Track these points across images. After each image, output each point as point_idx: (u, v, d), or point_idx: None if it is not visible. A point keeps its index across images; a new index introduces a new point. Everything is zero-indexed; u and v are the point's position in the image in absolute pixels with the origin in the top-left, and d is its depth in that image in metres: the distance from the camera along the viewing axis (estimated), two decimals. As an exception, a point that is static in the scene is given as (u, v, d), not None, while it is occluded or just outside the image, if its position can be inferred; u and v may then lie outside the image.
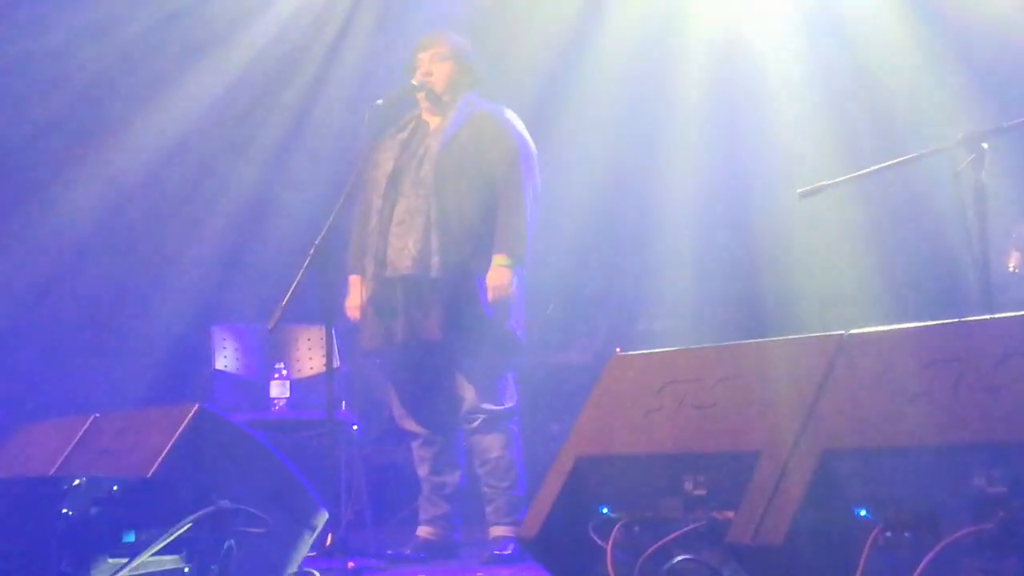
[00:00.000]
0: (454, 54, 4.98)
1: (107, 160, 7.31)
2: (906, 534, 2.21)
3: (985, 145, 3.59)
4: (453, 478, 4.94)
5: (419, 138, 4.94)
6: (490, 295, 4.71)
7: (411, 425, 4.96)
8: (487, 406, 4.80)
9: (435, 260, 4.72)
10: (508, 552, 4.71)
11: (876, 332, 2.48)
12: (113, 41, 7.14)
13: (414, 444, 4.99)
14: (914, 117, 5.98)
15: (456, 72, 4.96)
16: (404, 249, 4.77)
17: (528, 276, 4.96)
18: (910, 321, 2.47)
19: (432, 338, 4.74)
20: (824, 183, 3.99)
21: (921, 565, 2.13)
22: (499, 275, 4.71)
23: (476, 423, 4.82)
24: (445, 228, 4.75)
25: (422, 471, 4.98)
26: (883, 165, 3.84)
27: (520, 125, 4.94)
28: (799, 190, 4.04)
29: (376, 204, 4.88)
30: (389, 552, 4.92)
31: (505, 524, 4.81)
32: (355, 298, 4.96)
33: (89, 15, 7.02)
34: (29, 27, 6.97)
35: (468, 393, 4.81)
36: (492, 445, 4.83)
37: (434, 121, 4.95)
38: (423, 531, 4.95)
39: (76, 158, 7.24)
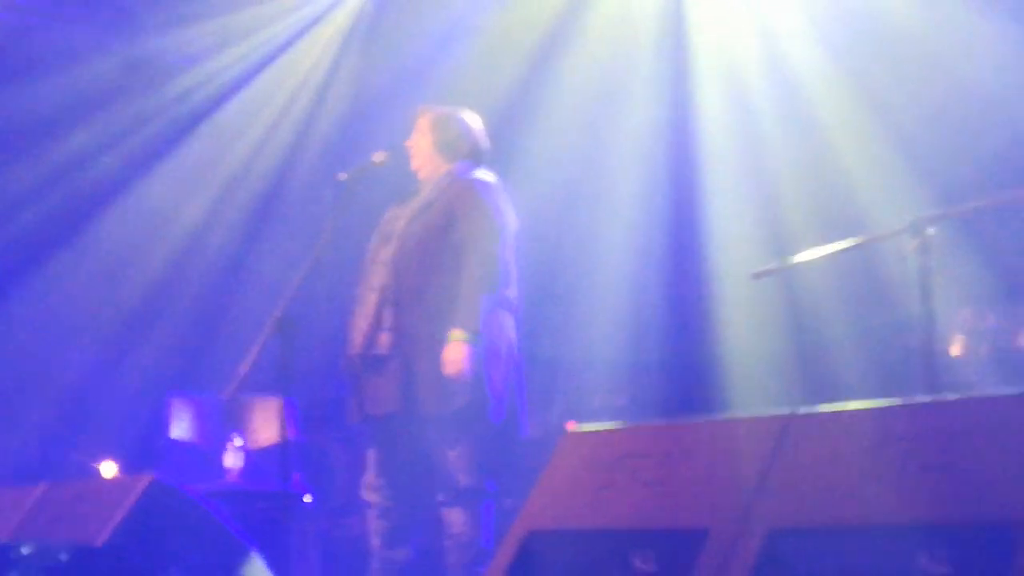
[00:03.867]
0: (434, 126, 4.97)
1: (73, 232, 7.33)
2: (852, 613, 2.24)
3: (931, 230, 3.65)
4: (403, 554, 4.91)
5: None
6: (445, 370, 4.65)
7: (372, 496, 4.94)
8: (459, 481, 4.77)
9: (384, 337, 4.73)
10: None
11: (823, 412, 2.51)
12: (89, 123, 7.21)
13: (371, 514, 4.97)
14: (866, 198, 6.07)
15: (435, 146, 4.96)
16: (357, 327, 4.81)
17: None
18: (858, 400, 2.51)
19: (387, 411, 4.74)
20: (776, 265, 4.06)
21: (866, 644, 2.15)
22: (452, 350, 4.63)
23: (441, 497, 4.80)
24: (401, 305, 4.75)
25: (375, 543, 4.95)
26: (831, 248, 3.90)
27: (499, 196, 4.89)
28: (752, 272, 4.10)
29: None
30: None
31: None
32: None
33: (73, 85, 7.10)
34: (7, 108, 7.03)
35: (443, 466, 4.79)
36: (457, 520, 4.80)
37: (417, 198, 4.99)
38: (374, 604, 4.92)
39: (44, 230, 7.26)
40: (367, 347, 4.75)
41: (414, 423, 4.77)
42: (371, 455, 4.93)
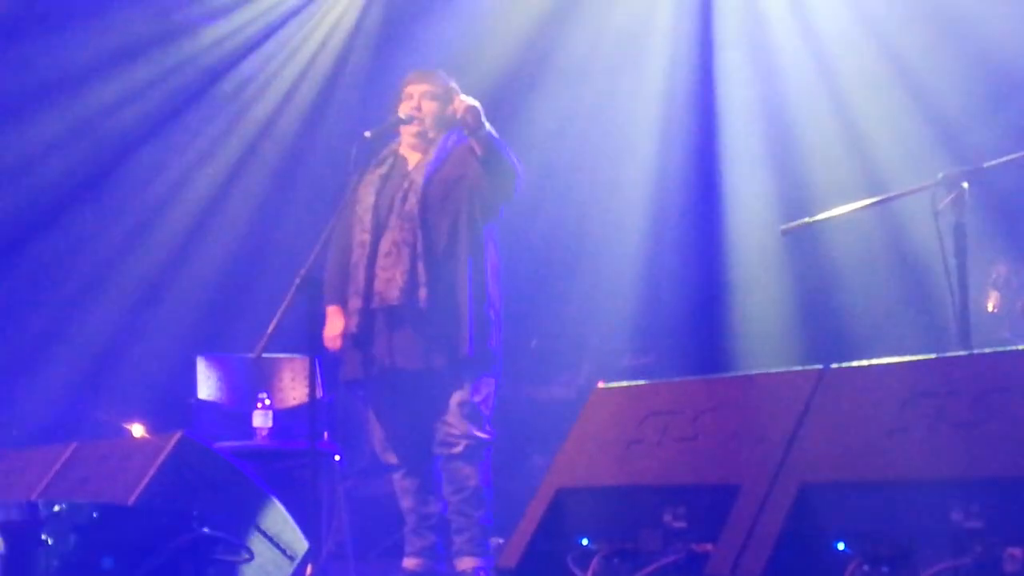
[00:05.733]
0: (443, 94, 5.03)
1: (100, 190, 7.35)
2: (884, 568, 2.22)
3: (965, 184, 3.61)
4: (436, 508, 4.94)
5: (400, 173, 4.98)
6: (462, 104, 4.69)
7: (391, 457, 4.96)
8: (472, 433, 4.80)
9: (423, 292, 4.77)
10: None
11: (856, 367, 2.50)
12: (114, 80, 7.23)
13: (395, 476, 4.99)
14: (898, 153, 6.02)
15: (444, 111, 5.01)
16: (392, 280, 4.81)
17: (512, 308, 4.97)
18: (890, 357, 2.49)
19: (417, 366, 4.77)
20: (806, 220, 4.02)
21: (898, 599, 2.14)
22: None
23: (458, 449, 4.82)
24: (431, 260, 4.80)
25: (406, 503, 4.97)
26: (863, 203, 3.86)
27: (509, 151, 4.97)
28: (781, 227, 4.06)
29: (360, 238, 4.92)
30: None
31: (475, 555, 4.83)
32: (335, 327, 4.99)
33: (98, 41, 7.11)
34: (33, 63, 7.05)
35: (454, 419, 4.81)
36: (471, 473, 4.83)
37: (415, 156, 5.00)
38: (410, 563, 4.94)
39: (71, 188, 7.28)
40: (406, 300, 4.77)
41: (435, 378, 4.80)
42: (385, 415, 4.94)
